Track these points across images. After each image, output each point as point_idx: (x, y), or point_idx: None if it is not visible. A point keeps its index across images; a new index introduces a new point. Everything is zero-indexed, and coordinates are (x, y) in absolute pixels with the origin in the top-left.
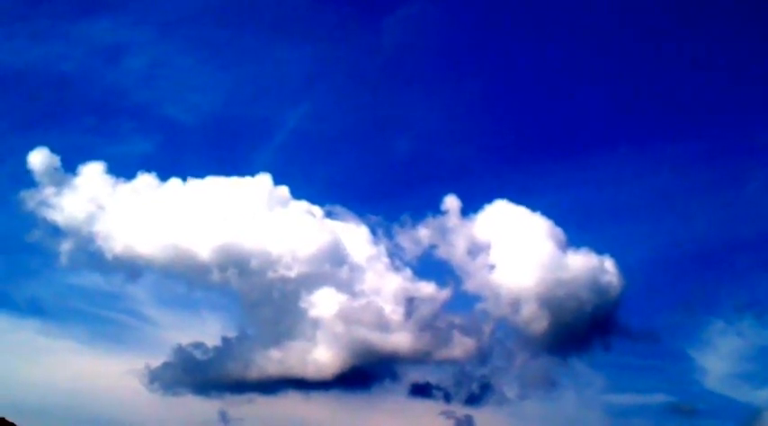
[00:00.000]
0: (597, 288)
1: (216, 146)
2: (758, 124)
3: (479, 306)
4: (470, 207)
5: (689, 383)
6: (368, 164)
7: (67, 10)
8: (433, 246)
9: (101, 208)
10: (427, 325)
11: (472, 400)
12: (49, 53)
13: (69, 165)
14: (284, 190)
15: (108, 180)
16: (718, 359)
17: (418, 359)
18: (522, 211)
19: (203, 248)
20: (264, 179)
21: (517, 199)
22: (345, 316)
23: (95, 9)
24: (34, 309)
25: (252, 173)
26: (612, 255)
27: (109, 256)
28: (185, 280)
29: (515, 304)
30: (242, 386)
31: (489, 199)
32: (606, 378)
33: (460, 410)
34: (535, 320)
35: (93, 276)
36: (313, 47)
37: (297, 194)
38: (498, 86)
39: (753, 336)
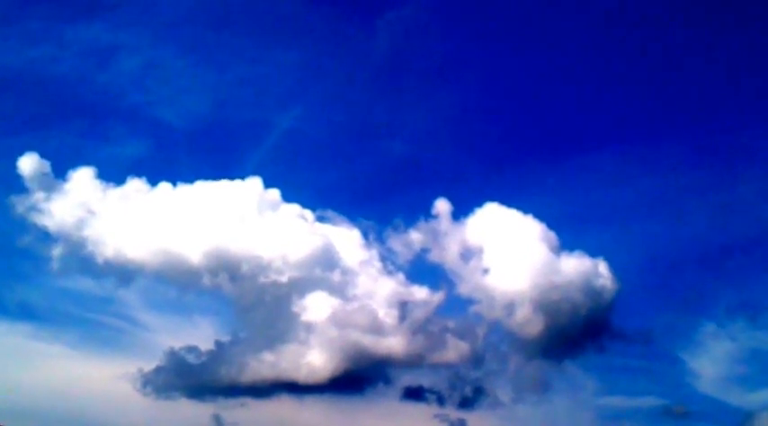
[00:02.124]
0: (591, 291)
1: (207, 149)
2: (750, 126)
3: (472, 309)
4: (461, 210)
5: (680, 386)
6: (359, 168)
7: (59, 12)
8: (425, 250)
9: (91, 213)
10: (420, 329)
11: (465, 404)
12: (40, 56)
13: (59, 171)
14: (275, 194)
15: (98, 185)
16: (709, 362)
17: (411, 362)
18: (513, 214)
19: (194, 253)
20: (255, 182)
21: (508, 201)
22: (338, 320)
23: (87, 11)
24: (25, 313)
25: (242, 177)
26: (606, 258)
27: (100, 261)
28: (177, 285)
29: (509, 307)
30: (235, 390)
31: (480, 203)
32: (599, 381)
33: (454, 413)
34: (529, 323)
35: (85, 281)
36: (305, 49)
37: (288, 198)
38: (489, 89)
39: (745, 339)
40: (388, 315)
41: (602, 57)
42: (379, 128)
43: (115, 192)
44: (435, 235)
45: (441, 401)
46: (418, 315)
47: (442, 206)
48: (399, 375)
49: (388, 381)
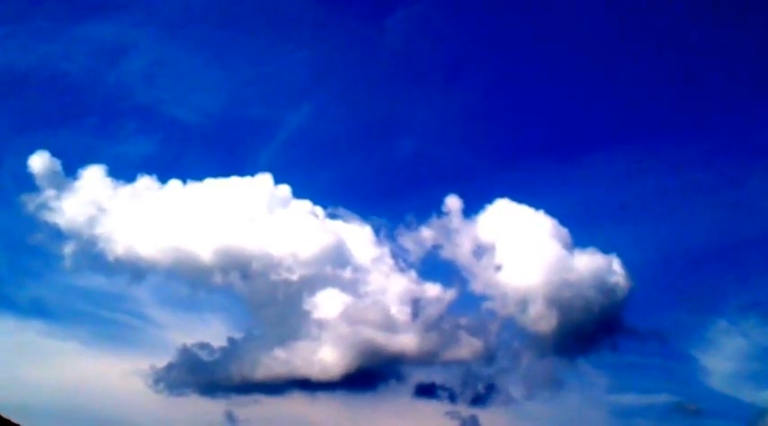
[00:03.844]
0: (604, 288)
1: (217, 146)
2: (762, 124)
3: (485, 306)
4: (472, 206)
5: (693, 383)
6: (370, 165)
7: (69, 10)
8: (436, 247)
9: (102, 210)
10: (433, 326)
11: (477, 400)
12: (50, 54)
13: (70, 169)
14: (286, 190)
15: (109, 183)
16: (722, 359)
17: (424, 359)
18: (524, 210)
19: (205, 250)
20: (265, 178)
21: (519, 197)
22: (350, 317)
23: (97, 9)
24: (38, 310)
25: (252, 173)
26: (619, 255)
27: (111, 258)
28: (188, 282)
29: (522, 304)
30: (248, 387)
31: (490, 199)
32: (611, 378)
33: (466, 410)
34: (542, 320)
35: (97, 278)
36: (315, 47)
37: (298, 194)
38: (500, 85)
39: (757, 336)
40: (400, 313)
41: (615, 54)
42: (389, 124)
43: (126, 190)
44: (447, 232)
45: (453, 398)
46: (431, 312)
47: (452, 202)
48: (411, 372)
49: (400, 378)
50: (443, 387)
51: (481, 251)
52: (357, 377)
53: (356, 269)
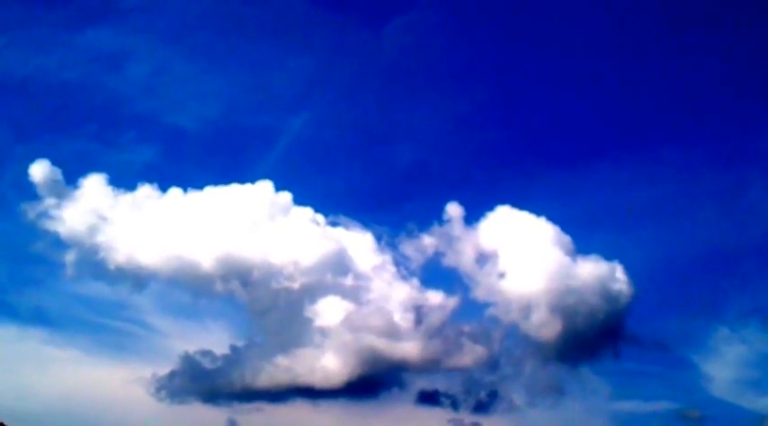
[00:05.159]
0: (607, 295)
1: (217, 153)
2: (764, 131)
3: (488, 313)
4: (473, 213)
5: (694, 390)
6: (370, 172)
7: (69, 18)
8: (438, 254)
9: (103, 219)
10: (436, 333)
11: (480, 408)
12: (50, 62)
13: (71, 177)
14: (286, 197)
15: (109, 191)
16: (723, 366)
17: (426, 367)
18: (526, 216)
19: (206, 258)
20: (266, 185)
21: (519, 204)
22: (352, 325)
23: (97, 17)
24: (39, 319)
25: (253, 180)
26: (622, 262)
27: (112, 267)
28: (190, 290)
29: (524, 311)
30: (250, 395)
31: (491, 206)
32: (613, 386)
33: (468, 418)
34: (544, 327)
35: (98, 286)
36: (315, 54)
37: (299, 201)
38: (500, 91)
39: (757, 343)
40: (402, 320)
41: (616, 61)
42: (389, 131)
43: (126, 198)
44: (448, 240)
45: (455, 405)
46: (433, 319)
47: (453, 210)
48: (414, 379)
49: (402, 385)
50: (446, 395)
51: (483, 258)
52: (359, 384)
53: (358, 276)
